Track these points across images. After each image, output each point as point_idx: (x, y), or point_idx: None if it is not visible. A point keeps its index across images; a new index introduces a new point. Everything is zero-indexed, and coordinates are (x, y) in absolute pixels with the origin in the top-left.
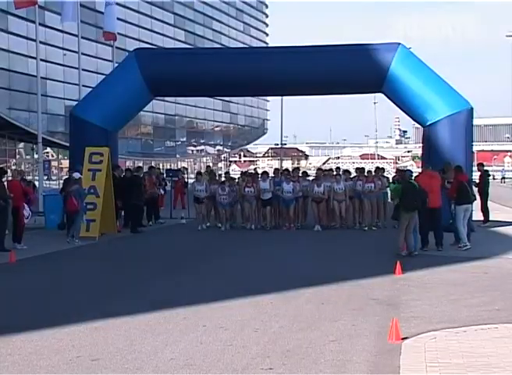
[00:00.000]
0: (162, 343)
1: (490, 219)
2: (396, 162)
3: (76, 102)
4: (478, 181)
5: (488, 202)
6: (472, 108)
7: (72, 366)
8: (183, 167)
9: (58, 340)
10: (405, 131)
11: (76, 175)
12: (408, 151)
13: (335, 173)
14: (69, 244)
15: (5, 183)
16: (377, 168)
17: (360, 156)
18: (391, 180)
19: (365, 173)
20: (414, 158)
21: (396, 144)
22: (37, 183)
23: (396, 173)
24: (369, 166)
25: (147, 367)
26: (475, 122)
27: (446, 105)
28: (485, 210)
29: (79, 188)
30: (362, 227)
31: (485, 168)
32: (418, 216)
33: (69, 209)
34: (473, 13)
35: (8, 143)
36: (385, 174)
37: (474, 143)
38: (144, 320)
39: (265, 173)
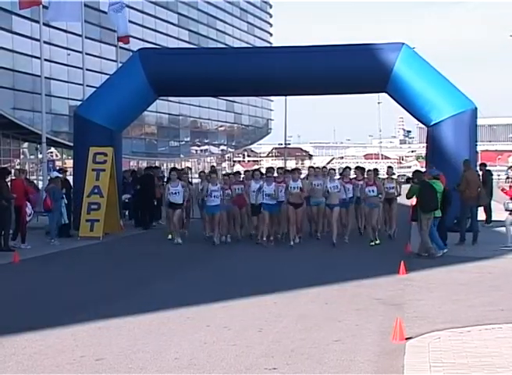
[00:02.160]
0: (166, 343)
1: (495, 219)
2: (400, 162)
3: (80, 102)
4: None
5: (493, 202)
6: (476, 108)
7: (76, 365)
8: (187, 167)
9: (62, 340)
10: (409, 131)
11: (53, 174)
12: (412, 151)
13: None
14: (50, 245)
15: (8, 183)
16: (389, 167)
17: (364, 156)
18: (401, 179)
19: (365, 174)
20: (417, 158)
21: (400, 144)
22: (40, 183)
23: (413, 173)
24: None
25: (150, 367)
26: (479, 122)
27: (450, 104)
28: (487, 210)
29: (53, 187)
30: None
31: (488, 168)
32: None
33: (44, 208)
34: (475, 13)
35: (13, 143)
36: (394, 177)
37: (478, 143)
38: (148, 320)
39: (258, 171)
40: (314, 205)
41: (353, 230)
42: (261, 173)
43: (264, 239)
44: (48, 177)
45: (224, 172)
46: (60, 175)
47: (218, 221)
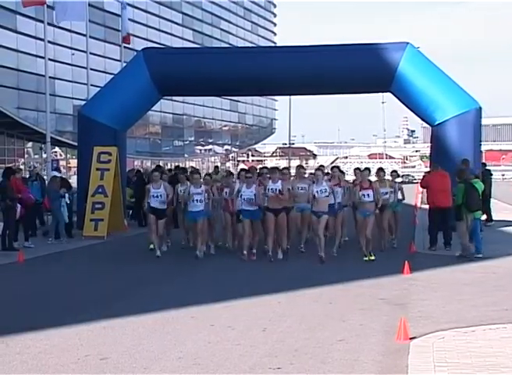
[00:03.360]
0: (170, 342)
1: (499, 219)
2: (404, 162)
3: (84, 102)
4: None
5: (493, 201)
6: (481, 108)
7: (81, 365)
8: (192, 167)
9: (66, 339)
10: (413, 131)
11: (52, 173)
12: (416, 151)
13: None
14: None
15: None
16: (379, 169)
17: (369, 156)
18: (406, 179)
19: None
20: (422, 157)
21: (405, 143)
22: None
23: (458, 172)
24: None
25: (154, 367)
26: (484, 121)
27: (454, 104)
28: (487, 209)
29: (50, 187)
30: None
31: (488, 167)
32: (428, 218)
33: (45, 208)
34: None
35: (17, 142)
36: (397, 180)
37: (482, 142)
38: (151, 320)
39: (244, 171)
40: (297, 212)
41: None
42: (248, 172)
43: (245, 252)
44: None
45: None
46: (58, 174)
47: (202, 230)
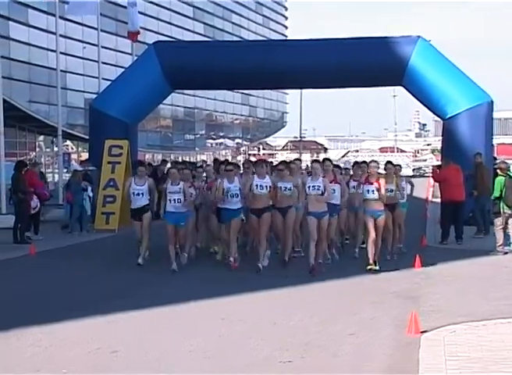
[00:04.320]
0: (181, 336)
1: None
2: (416, 156)
3: (95, 95)
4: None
5: None
6: (492, 101)
7: (93, 357)
8: (203, 160)
9: (78, 332)
10: (424, 124)
11: (74, 167)
12: (428, 144)
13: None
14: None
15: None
16: (388, 163)
17: (380, 149)
18: (417, 173)
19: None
20: (433, 151)
21: (416, 137)
22: (56, 176)
23: (499, 164)
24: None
25: (166, 359)
26: (495, 115)
27: (466, 97)
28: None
29: (72, 181)
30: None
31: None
32: (440, 212)
33: (67, 201)
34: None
35: (29, 136)
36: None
37: (494, 136)
38: (163, 313)
39: (224, 162)
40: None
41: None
42: (231, 165)
43: (232, 259)
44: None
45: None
46: (79, 168)
47: (184, 236)
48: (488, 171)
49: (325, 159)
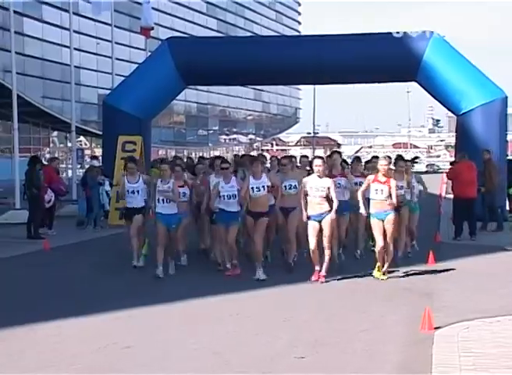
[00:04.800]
0: (190, 332)
1: None
2: (429, 152)
3: (109, 91)
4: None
5: None
6: (507, 97)
7: (102, 354)
8: (200, 157)
9: (84, 328)
10: (438, 120)
11: (91, 163)
12: (441, 140)
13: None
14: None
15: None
16: (399, 157)
17: (393, 145)
18: (431, 169)
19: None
20: (447, 147)
21: (429, 133)
22: (70, 171)
23: None
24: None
25: (174, 356)
26: (510, 111)
27: (480, 93)
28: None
29: (88, 176)
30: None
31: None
32: (453, 208)
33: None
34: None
35: (42, 131)
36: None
37: (508, 132)
38: (171, 310)
39: (219, 158)
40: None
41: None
42: (225, 162)
43: (228, 266)
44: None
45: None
46: (97, 164)
47: (176, 239)
48: (496, 168)
49: (333, 152)
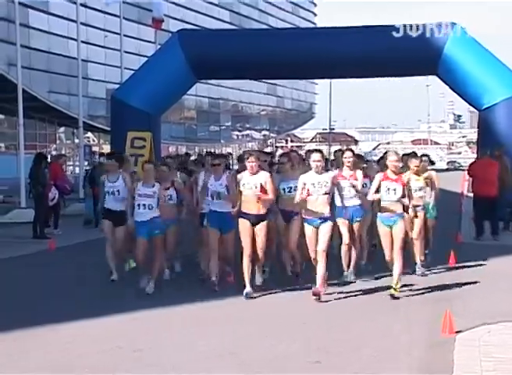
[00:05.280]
0: (202, 333)
1: None
2: (450, 148)
3: (117, 85)
4: None
5: None
6: None
7: (110, 355)
8: (228, 153)
9: (94, 329)
10: (460, 115)
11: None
12: (463, 137)
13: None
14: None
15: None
16: (413, 155)
17: (412, 142)
18: (452, 166)
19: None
20: (469, 143)
21: (450, 128)
22: (77, 168)
23: None
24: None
25: (185, 356)
26: None
27: (503, 87)
28: None
29: (98, 173)
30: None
31: None
32: (473, 207)
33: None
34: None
35: (49, 127)
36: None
37: None
38: (176, 312)
39: (211, 154)
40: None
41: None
42: (217, 157)
43: (214, 278)
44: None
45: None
46: (103, 161)
47: (158, 248)
48: (508, 165)
49: (347, 150)
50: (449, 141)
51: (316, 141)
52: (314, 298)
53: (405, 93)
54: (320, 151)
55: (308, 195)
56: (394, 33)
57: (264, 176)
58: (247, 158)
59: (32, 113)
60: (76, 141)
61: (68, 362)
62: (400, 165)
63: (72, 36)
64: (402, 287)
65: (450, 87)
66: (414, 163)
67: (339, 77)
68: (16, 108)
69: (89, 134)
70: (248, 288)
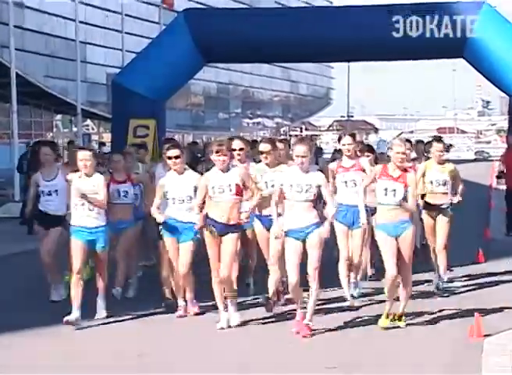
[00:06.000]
0: (214, 338)
1: None
2: (478, 137)
3: (118, 69)
4: None
5: None
6: None
7: (115, 359)
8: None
9: (102, 333)
10: (488, 102)
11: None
12: (492, 124)
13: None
14: None
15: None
16: (436, 139)
17: (437, 130)
18: (480, 156)
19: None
20: (498, 131)
21: (479, 116)
22: None
23: None
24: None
25: (197, 364)
26: None
27: None
28: None
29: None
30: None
31: None
32: (506, 201)
33: None
34: None
35: (45, 114)
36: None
37: None
38: (190, 316)
39: (171, 141)
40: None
41: None
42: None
43: (180, 302)
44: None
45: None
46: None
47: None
48: None
49: (347, 135)
50: (477, 129)
51: (333, 129)
52: (296, 332)
53: (429, 77)
54: (306, 141)
55: (284, 198)
56: (418, 11)
57: (238, 173)
58: (215, 151)
59: (26, 99)
60: (74, 129)
61: (72, 364)
62: (414, 155)
63: (70, 16)
64: (425, 287)
65: (478, 71)
66: (437, 147)
67: (357, 60)
68: (9, 94)
69: (88, 122)
70: (223, 321)
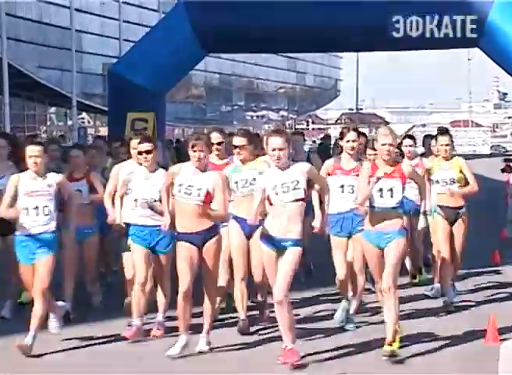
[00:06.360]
0: (216, 336)
1: None
2: (494, 130)
3: (115, 59)
4: None
5: None
6: None
7: (118, 359)
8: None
9: (101, 334)
10: (505, 93)
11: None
12: (509, 117)
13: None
14: None
15: None
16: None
17: (451, 123)
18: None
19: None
20: None
21: (495, 108)
22: None
23: None
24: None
25: (197, 364)
26: None
27: None
28: None
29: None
30: None
31: None
32: None
33: None
34: None
35: (38, 107)
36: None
37: None
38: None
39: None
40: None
41: None
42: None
43: (136, 322)
44: None
45: None
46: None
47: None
48: None
49: (351, 130)
50: (494, 123)
51: (341, 123)
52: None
53: (443, 69)
54: (281, 133)
55: (270, 204)
56: None
57: (214, 179)
58: (191, 146)
59: (19, 91)
60: (70, 122)
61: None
62: (411, 148)
63: (65, 3)
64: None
65: (495, 61)
66: (442, 141)
67: (367, 50)
68: (0, 86)
69: (84, 115)
70: (202, 344)
